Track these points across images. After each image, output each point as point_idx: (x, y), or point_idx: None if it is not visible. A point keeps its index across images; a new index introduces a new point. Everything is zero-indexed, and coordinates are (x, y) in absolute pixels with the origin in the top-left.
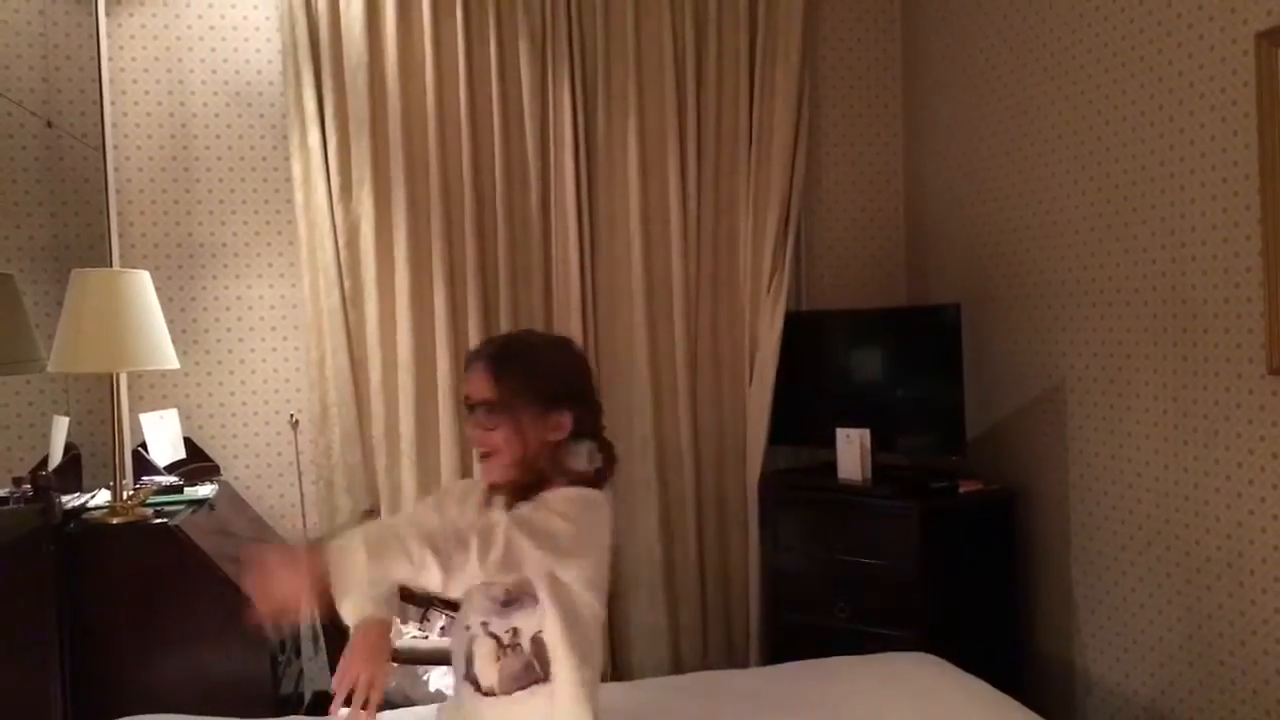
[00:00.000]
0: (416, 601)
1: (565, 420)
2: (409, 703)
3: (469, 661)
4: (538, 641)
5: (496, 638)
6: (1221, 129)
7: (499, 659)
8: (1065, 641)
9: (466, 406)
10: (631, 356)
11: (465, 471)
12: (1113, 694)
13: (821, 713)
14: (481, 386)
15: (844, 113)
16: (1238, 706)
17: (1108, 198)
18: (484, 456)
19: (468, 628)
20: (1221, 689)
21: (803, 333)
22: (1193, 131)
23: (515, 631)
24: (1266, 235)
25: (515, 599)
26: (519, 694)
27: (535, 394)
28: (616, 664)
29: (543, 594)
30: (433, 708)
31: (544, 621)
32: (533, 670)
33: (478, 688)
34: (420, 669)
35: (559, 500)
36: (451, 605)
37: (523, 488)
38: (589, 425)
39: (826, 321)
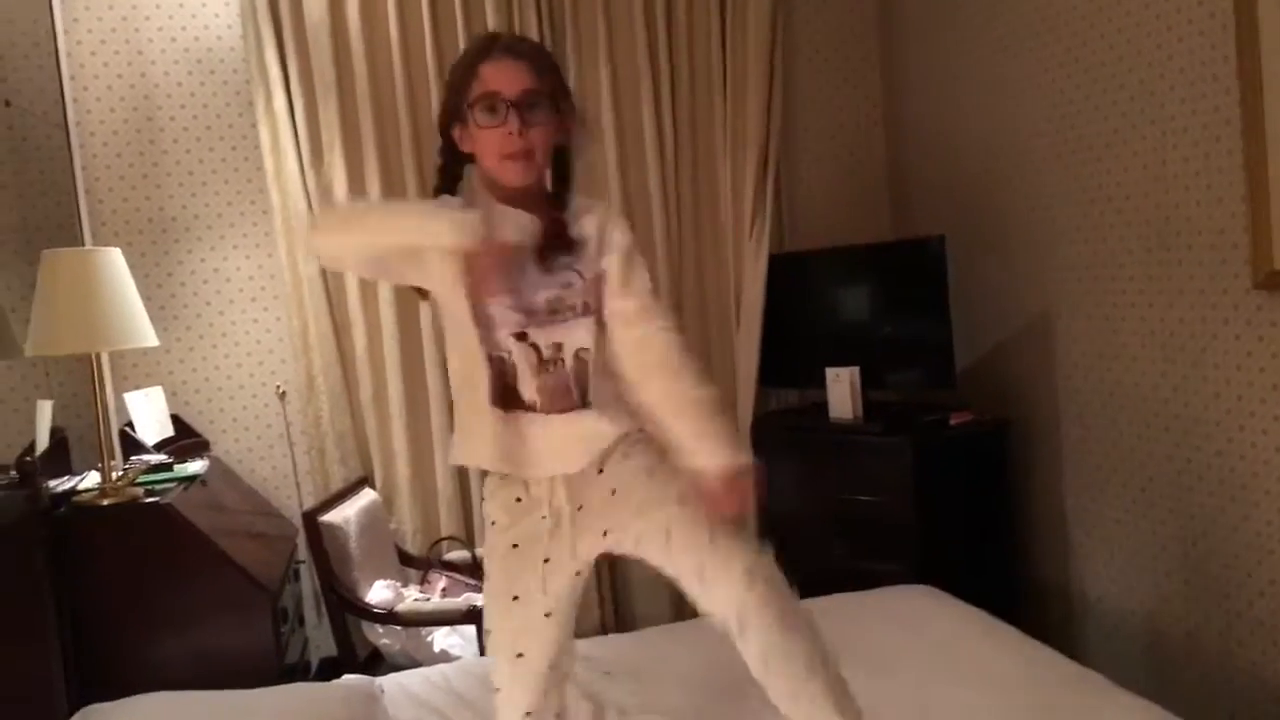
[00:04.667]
0: (417, 564)
1: (573, 120)
2: (413, 663)
3: (504, 379)
4: (580, 359)
5: (537, 349)
6: (1200, 43)
7: (538, 374)
8: (1061, 565)
9: (488, 107)
10: None
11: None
12: (1110, 613)
13: None
14: (523, 78)
15: (820, 50)
16: (1234, 619)
17: (1088, 119)
18: (515, 157)
19: (495, 352)
20: (1218, 601)
21: (787, 274)
22: (1171, 46)
23: (558, 346)
24: (1248, 149)
25: (560, 309)
26: (562, 416)
27: (564, 89)
28: (619, 615)
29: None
30: (440, 668)
31: (589, 338)
32: (570, 395)
33: (520, 405)
34: (424, 630)
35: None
36: (453, 568)
37: (532, 196)
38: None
39: (810, 261)
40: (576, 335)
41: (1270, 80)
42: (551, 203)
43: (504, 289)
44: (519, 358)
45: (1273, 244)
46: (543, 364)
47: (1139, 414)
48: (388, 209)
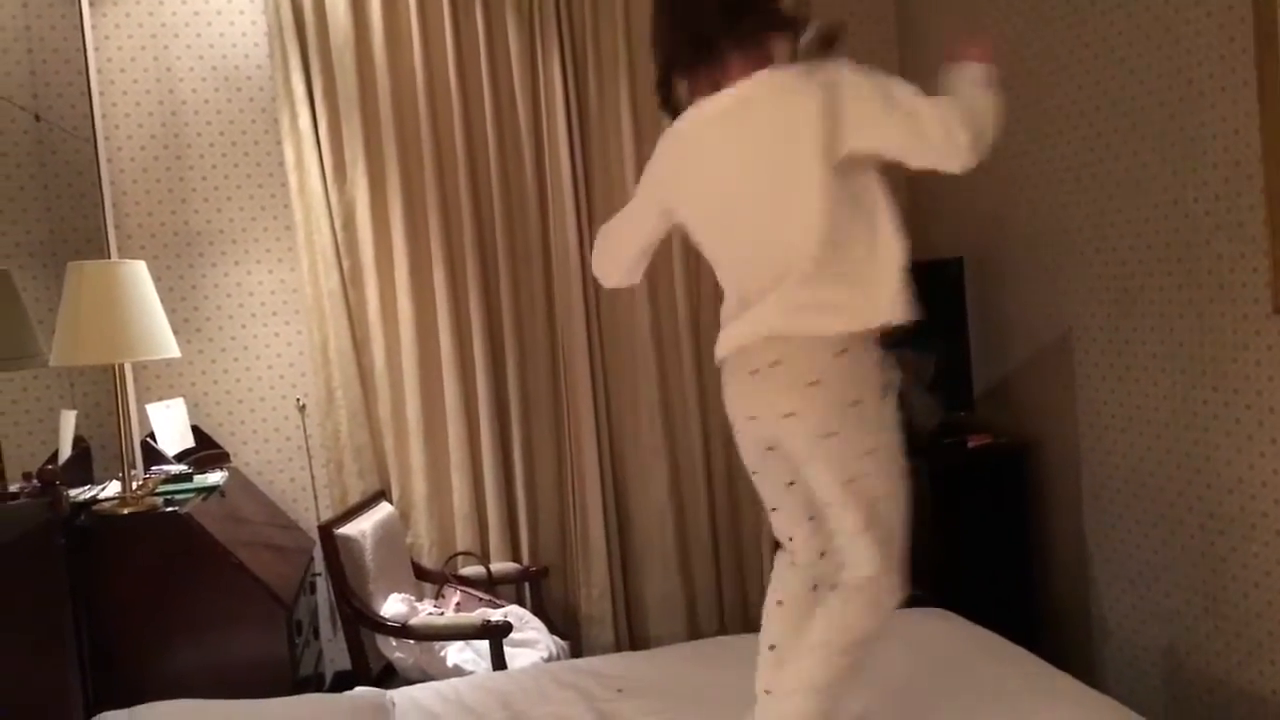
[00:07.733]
0: (432, 579)
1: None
2: (426, 677)
3: None
4: None
5: None
6: (1220, 67)
7: None
8: (1080, 591)
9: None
10: (633, 324)
11: (474, 445)
12: (1129, 642)
13: None
14: None
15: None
16: (1253, 649)
17: (1108, 142)
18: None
19: None
20: (1236, 633)
21: None
22: (1191, 71)
23: None
24: (1269, 173)
25: None
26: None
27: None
28: (633, 633)
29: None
30: (451, 682)
31: None
32: None
33: None
34: (438, 645)
35: None
36: (468, 582)
37: None
38: None
39: None
40: None
41: None
42: None
43: None
44: None
45: None
46: None
47: (1158, 439)
48: None
